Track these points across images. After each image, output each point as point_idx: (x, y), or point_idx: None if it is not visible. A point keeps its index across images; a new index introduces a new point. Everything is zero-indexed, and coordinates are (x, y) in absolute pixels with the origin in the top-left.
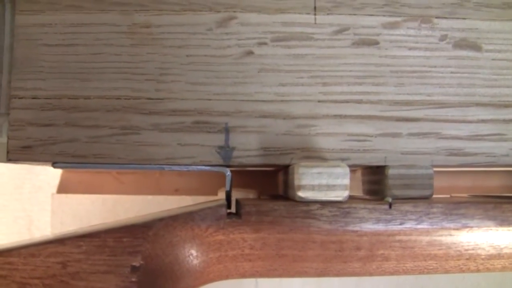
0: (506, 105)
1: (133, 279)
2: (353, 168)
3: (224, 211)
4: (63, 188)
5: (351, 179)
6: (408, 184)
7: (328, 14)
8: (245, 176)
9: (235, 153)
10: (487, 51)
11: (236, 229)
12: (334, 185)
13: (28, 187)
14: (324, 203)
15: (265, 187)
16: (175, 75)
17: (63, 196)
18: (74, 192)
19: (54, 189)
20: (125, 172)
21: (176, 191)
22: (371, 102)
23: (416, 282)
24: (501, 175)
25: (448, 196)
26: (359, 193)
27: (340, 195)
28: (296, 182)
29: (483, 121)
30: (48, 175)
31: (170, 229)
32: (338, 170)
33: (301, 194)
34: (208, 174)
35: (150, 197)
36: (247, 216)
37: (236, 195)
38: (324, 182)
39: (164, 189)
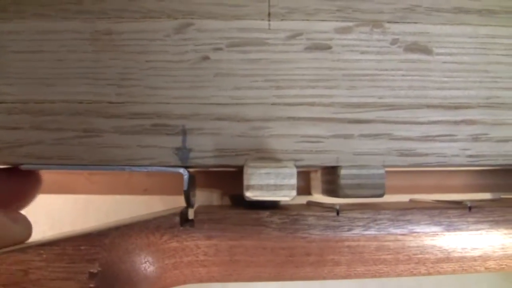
0: (456, 107)
1: (92, 285)
2: (310, 168)
3: (177, 219)
4: None
5: (314, 179)
6: (360, 184)
7: (282, 20)
8: (210, 176)
9: (192, 154)
10: (437, 54)
11: (189, 237)
12: (281, 185)
13: None
14: (274, 211)
15: (230, 187)
16: (135, 80)
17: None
18: (48, 192)
19: None
20: (96, 173)
21: (145, 191)
22: (324, 105)
23: (379, 280)
24: (463, 175)
25: (407, 200)
26: (320, 192)
27: (287, 194)
28: (245, 182)
29: (433, 122)
30: None
31: (126, 237)
32: (286, 170)
33: (249, 193)
34: (176, 174)
35: (119, 196)
36: (200, 224)
37: (200, 195)
38: (272, 182)
39: (134, 189)
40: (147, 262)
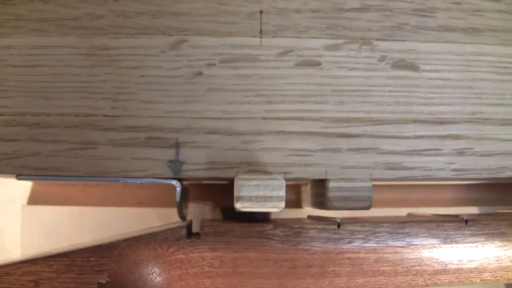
0: (441, 122)
1: None
2: (299, 181)
3: (184, 232)
4: (33, 199)
5: (304, 192)
6: (347, 197)
7: (273, 37)
8: (202, 188)
9: (184, 167)
10: (424, 71)
11: (195, 249)
12: (270, 197)
13: (0, 198)
14: (277, 224)
15: (221, 200)
16: (130, 94)
17: (32, 207)
18: (43, 203)
19: (25, 201)
20: (90, 185)
21: (139, 203)
22: (313, 119)
23: None
24: (451, 189)
25: (405, 215)
26: (310, 205)
27: (276, 205)
28: (235, 194)
29: (420, 137)
30: (19, 188)
31: (134, 249)
32: (275, 182)
33: (239, 205)
34: (169, 187)
35: (114, 208)
36: (205, 237)
37: (193, 207)
38: (261, 194)
39: (128, 201)
40: (154, 273)
